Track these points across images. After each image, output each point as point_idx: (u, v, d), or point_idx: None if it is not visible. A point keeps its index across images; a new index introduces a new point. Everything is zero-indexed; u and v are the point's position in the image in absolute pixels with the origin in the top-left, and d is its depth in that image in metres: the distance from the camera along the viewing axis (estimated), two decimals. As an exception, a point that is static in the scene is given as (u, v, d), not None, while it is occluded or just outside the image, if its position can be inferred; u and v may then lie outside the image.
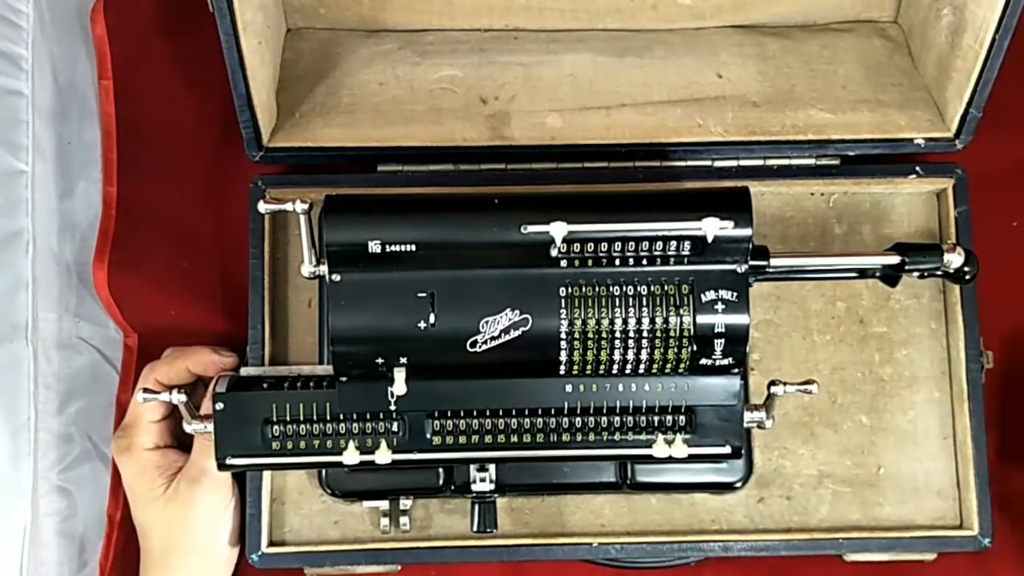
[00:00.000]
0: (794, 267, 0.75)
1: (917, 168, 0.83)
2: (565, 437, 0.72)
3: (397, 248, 0.68)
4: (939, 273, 0.76)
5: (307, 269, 0.71)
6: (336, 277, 0.69)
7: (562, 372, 0.70)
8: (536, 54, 0.86)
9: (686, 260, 0.69)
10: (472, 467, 0.76)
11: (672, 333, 0.69)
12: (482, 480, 0.76)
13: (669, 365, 0.70)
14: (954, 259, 0.75)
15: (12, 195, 0.80)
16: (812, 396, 0.75)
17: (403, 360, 0.69)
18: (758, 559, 0.83)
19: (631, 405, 0.72)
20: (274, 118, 0.82)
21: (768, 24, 0.88)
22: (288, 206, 0.69)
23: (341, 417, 0.72)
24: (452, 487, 0.79)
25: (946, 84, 0.81)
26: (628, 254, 0.69)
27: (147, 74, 0.88)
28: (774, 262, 0.73)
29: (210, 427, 0.73)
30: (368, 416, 0.72)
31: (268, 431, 0.72)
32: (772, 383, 0.73)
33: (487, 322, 0.69)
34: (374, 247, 0.68)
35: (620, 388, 0.72)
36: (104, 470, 0.86)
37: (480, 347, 0.69)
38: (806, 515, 0.82)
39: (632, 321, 0.69)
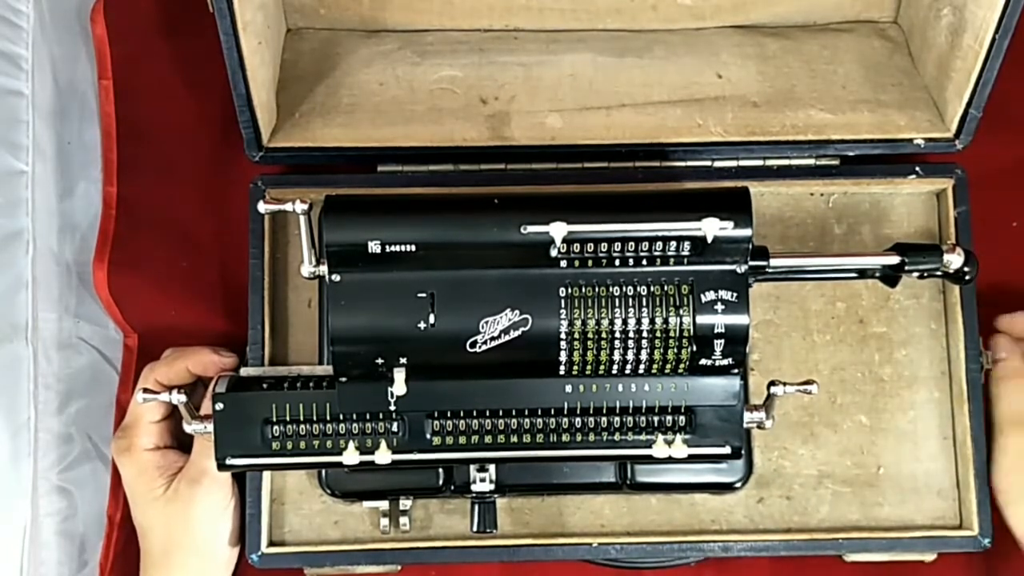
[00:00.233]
0: (794, 267, 0.75)
1: (917, 168, 0.83)
2: (565, 437, 0.72)
3: (397, 248, 0.68)
4: (939, 273, 0.76)
5: (307, 269, 0.71)
6: (336, 277, 0.69)
7: (562, 372, 0.70)
8: (536, 54, 0.86)
9: (686, 260, 0.69)
10: (472, 467, 0.76)
11: (672, 333, 0.69)
12: (482, 480, 0.76)
13: (669, 365, 0.70)
14: (954, 259, 0.75)
15: (12, 195, 0.80)
16: (812, 396, 0.75)
17: (403, 360, 0.69)
18: (758, 559, 0.83)
19: (631, 405, 0.72)
20: (274, 118, 0.82)
21: (768, 24, 0.88)
22: (288, 206, 0.69)
23: (341, 417, 0.72)
24: (452, 487, 0.79)
25: (946, 84, 0.81)
26: (628, 254, 0.69)
27: (147, 74, 0.88)
28: (774, 262, 0.73)
29: (210, 427, 0.73)
30: (368, 416, 0.72)
31: (268, 431, 0.72)
32: (772, 383, 0.73)
33: (487, 322, 0.69)
34: (374, 247, 0.68)
35: (620, 388, 0.72)
36: (104, 470, 0.86)
37: (480, 347, 0.69)
38: (806, 515, 0.82)
39: (632, 321, 0.69)
